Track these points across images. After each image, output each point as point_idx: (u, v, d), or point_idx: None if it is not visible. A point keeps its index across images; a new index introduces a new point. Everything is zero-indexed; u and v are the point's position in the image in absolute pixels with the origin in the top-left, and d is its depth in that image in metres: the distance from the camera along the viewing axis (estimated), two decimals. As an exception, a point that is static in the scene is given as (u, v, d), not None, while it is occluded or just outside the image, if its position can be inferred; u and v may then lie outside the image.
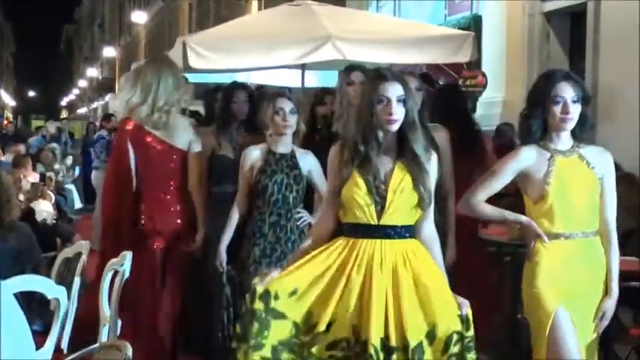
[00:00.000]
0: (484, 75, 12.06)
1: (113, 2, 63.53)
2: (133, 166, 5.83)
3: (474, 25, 12.89)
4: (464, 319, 3.86)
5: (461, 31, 10.96)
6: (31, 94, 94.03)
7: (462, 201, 4.65)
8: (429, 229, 4.15)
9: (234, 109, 6.48)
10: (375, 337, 3.79)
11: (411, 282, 3.92)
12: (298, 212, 5.52)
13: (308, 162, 5.58)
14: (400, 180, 4.02)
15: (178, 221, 5.97)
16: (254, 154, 5.56)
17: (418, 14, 14.96)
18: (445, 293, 3.96)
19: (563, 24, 11.75)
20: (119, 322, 5.03)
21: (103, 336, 4.96)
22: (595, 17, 10.46)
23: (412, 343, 3.79)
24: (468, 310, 3.89)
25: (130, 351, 3.26)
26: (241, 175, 5.59)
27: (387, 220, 4.00)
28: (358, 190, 3.99)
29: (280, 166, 5.49)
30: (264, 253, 5.47)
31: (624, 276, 6.05)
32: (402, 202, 4.01)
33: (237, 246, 5.68)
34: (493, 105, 12.34)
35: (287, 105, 5.47)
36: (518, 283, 4.80)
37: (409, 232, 4.06)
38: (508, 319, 7.51)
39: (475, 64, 11.77)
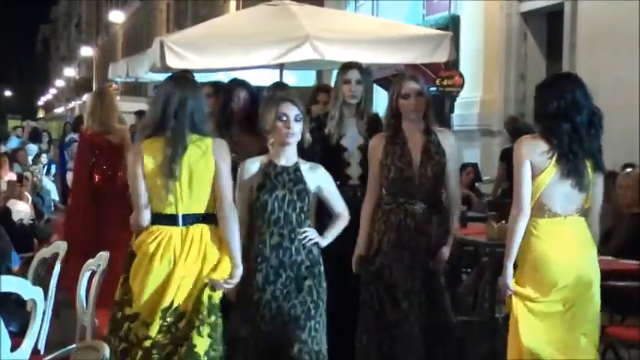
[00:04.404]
0: (461, 75, 12.10)
1: (90, 2, 63.20)
2: (91, 160, 8.56)
3: (452, 25, 12.93)
4: (202, 301, 4.58)
5: (439, 31, 10.97)
6: (8, 93, 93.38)
7: None
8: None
9: (233, 109, 6.16)
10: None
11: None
12: (304, 231, 4.93)
13: (317, 176, 5.02)
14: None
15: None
16: (252, 168, 4.94)
17: (396, 14, 14.99)
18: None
19: (541, 24, 11.81)
20: (96, 322, 5.00)
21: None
22: (572, 17, 10.52)
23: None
24: (214, 293, 4.63)
25: (107, 351, 3.25)
26: (239, 192, 4.96)
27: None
28: None
29: (281, 180, 4.90)
30: (267, 280, 4.87)
31: (601, 276, 6.08)
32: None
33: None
34: (471, 105, 12.38)
35: (292, 110, 4.86)
36: (496, 283, 4.85)
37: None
38: (487, 319, 7.53)
39: (453, 64, 11.81)
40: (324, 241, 5.03)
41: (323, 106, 6.46)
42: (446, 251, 5.49)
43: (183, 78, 5.06)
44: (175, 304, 4.58)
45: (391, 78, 11.39)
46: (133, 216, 4.73)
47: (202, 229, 4.66)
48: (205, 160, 4.64)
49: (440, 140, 5.45)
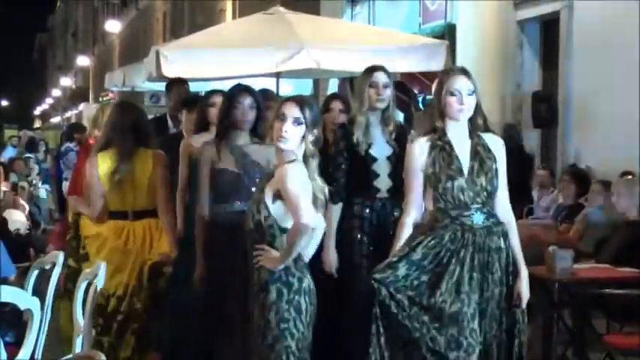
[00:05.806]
0: (458, 83, 12.10)
1: (87, 11, 63.26)
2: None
3: (448, 33, 12.94)
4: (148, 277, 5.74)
5: (435, 40, 11.00)
6: (4, 103, 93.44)
7: None
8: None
9: (236, 116, 5.61)
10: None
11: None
12: (259, 248, 4.34)
13: (275, 177, 4.34)
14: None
15: None
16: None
17: (393, 22, 15.00)
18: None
19: (536, 32, 11.81)
20: (92, 332, 5.00)
21: (77, 346, 4.93)
22: (568, 25, 10.52)
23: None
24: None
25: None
26: None
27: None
28: None
29: (250, 189, 4.55)
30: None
31: (598, 283, 6.10)
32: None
33: None
34: (467, 113, 12.38)
35: (292, 111, 4.30)
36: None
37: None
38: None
39: (449, 72, 11.82)
40: (277, 265, 4.29)
41: (338, 113, 6.05)
42: (522, 286, 4.57)
43: (126, 104, 6.61)
44: (126, 281, 5.84)
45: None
46: (86, 209, 6.28)
47: (149, 222, 5.98)
48: (147, 167, 5.93)
49: (489, 144, 4.69)
